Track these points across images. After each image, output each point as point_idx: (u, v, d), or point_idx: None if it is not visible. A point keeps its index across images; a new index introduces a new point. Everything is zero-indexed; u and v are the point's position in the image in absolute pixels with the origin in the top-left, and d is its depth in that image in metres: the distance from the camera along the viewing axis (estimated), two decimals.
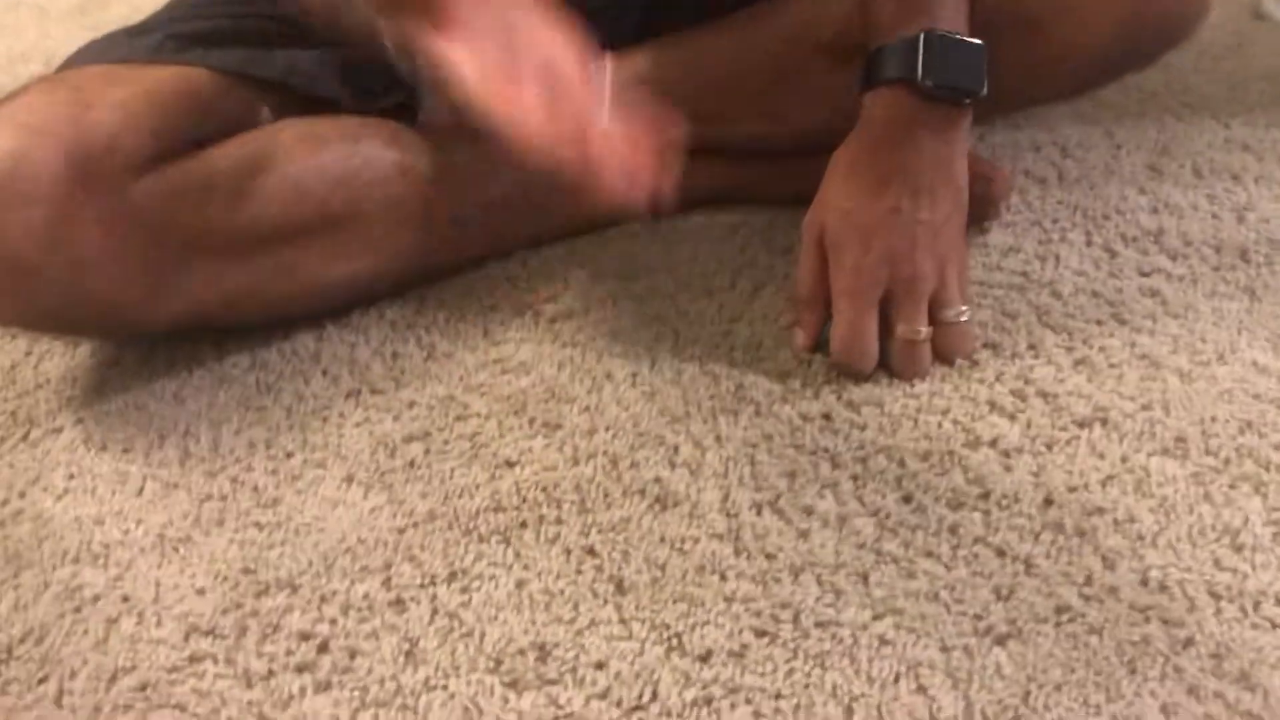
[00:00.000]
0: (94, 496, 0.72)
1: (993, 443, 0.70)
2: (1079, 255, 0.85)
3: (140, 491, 0.72)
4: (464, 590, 0.64)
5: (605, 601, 0.63)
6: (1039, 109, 0.99)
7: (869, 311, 0.73)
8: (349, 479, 0.71)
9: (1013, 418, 0.72)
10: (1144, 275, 0.83)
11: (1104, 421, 0.71)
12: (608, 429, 0.73)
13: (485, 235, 0.88)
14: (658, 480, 0.69)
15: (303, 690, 0.59)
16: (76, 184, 0.71)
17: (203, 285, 0.77)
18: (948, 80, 0.73)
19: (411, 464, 0.72)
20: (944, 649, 0.59)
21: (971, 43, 0.74)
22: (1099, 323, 0.78)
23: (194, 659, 0.61)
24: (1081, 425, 0.71)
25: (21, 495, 0.72)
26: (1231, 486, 0.66)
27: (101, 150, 0.72)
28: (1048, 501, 0.66)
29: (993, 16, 0.77)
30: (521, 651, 0.60)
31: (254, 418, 0.77)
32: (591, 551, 0.65)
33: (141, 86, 0.76)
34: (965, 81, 0.74)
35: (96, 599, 0.65)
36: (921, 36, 0.72)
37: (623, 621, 0.62)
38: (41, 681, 0.61)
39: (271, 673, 0.60)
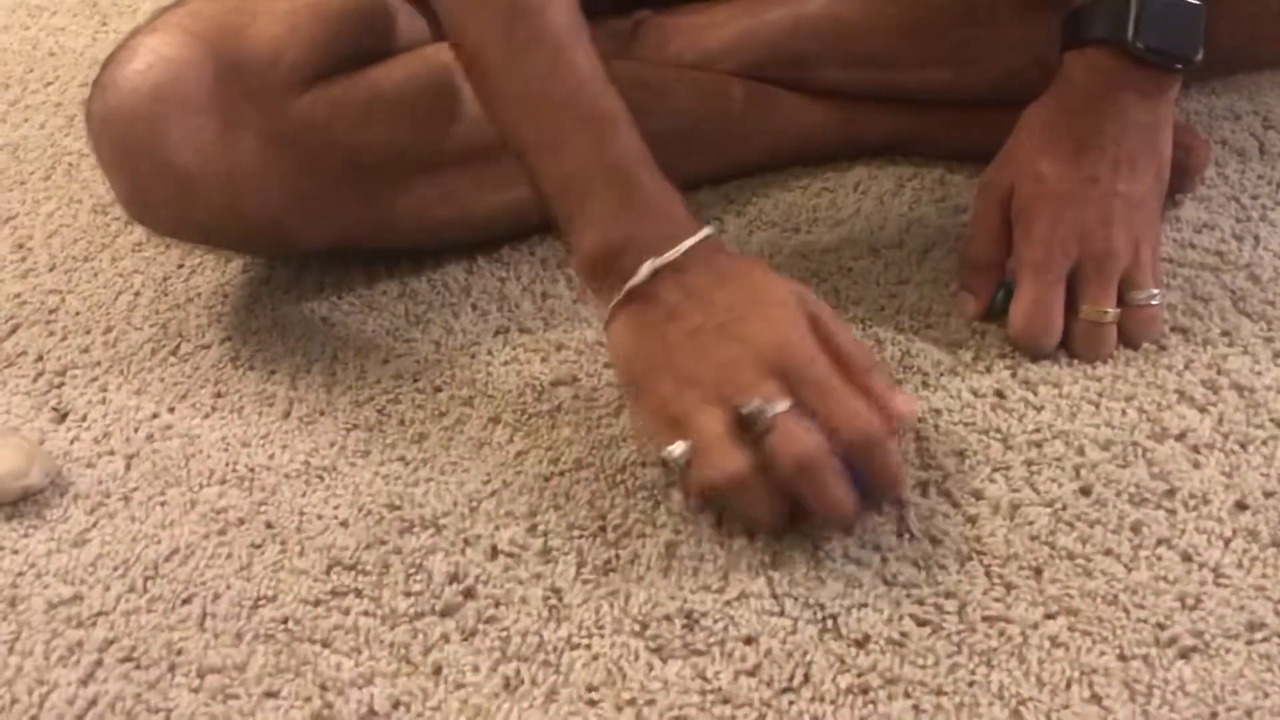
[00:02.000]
0: (240, 417, 0.71)
1: (1181, 436, 0.65)
2: None
3: (286, 415, 0.71)
4: (610, 545, 0.62)
5: (757, 574, 0.60)
6: (1241, 74, 0.92)
7: (1056, 287, 0.68)
8: (495, 419, 0.70)
9: (1204, 410, 0.67)
10: None
11: None
12: None
13: None
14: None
15: (445, 636, 0.58)
16: (237, 95, 0.70)
17: (359, 206, 0.76)
18: (1161, 43, 0.67)
19: (559, 409, 0.70)
20: (1122, 657, 0.55)
21: (1190, 3, 0.68)
22: None
23: (336, 593, 0.60)
24: None
25: (170, 410, 0.72)
26: None
27: (264, 63, 0.71)
28: (1240, 505, 0.61)
29: None
30: (669, 617, 0.58)
31: (402, 348, 0.75)
32: (743, 518, 0.63)
33: (306, 0, 0.75)
34: (1180, 46, 0.67)
35: (241, 522, 0.65)
36: None
37: (775, 596, 0.59)
38: (185, 602, 0.61)
39: (416, 614, 0.59)
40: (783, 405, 0.58)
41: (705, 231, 0.63)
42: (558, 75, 0.64)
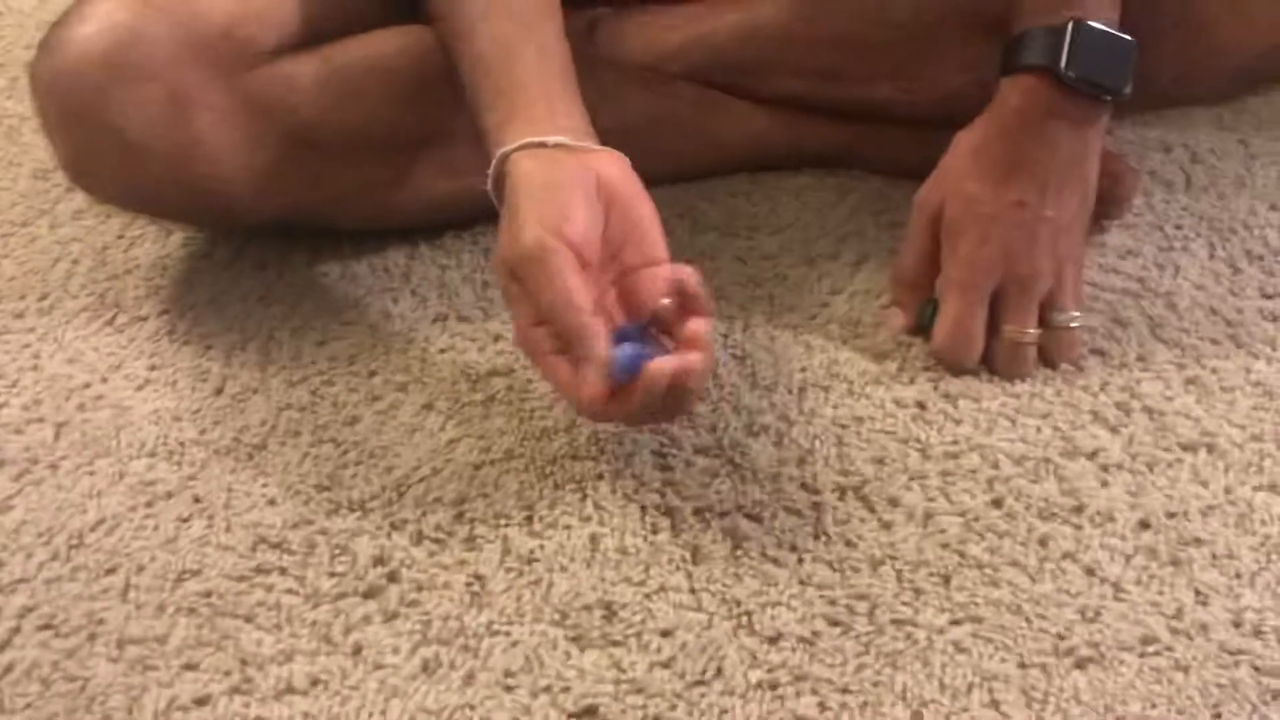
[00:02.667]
0: (174, 390, 0.72)
1: (1092, 455, 0.68)
2: (1200, 268, 0.81)
3: (219, 391, 0.71)
4: (536, 535, 0.63)
5: (678, 568, 0.61)
6: (1173, 108, 0.95)
7: (979, 306, 0.71)
8: (429, 406, 0.70)
9: (1115, 431, 0.69)
10: (1267, 297, 0.79)
11: (1210, 448, 0.68)
12: None
13: None
14: (739, 447, 0.68)
15: (367, 618, 0.59)
16: (191, 65, 0.70)
17: (308, 182, 0.76)
18: (1092, 75, 0.69)
19: (493, 399, 0.71)
20: (1021, 665, 0.57)
21: (1122, 38, 0.70)
22: (1214, 342, 0.75)
23: (261, 570, 0.61)
24: (1186, 449, 0.68)
25: (104, 380, 0.72)
26: None
27: (218, 34, 0.71)
28: (1144, 524, 0.64)
29: (1152, 15, 0.73)
30: (588, 607, 0.59)
31: (339, 331, 0.76)
32: (668, 513, 0.64)
33: None
34: (1110, 79, 0.70)
35: (169, 496, 0.65)
36: (1070, 25, 0.69)
37: (693, 591, 0.60)
38: (109, 572, 0.61)
39: (339, 595, 0.60)
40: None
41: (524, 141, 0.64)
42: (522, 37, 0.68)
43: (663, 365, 0.59)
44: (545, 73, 0.67)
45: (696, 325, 0.62)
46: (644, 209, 0.65)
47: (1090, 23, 0.69)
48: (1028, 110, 0.71)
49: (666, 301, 0.63)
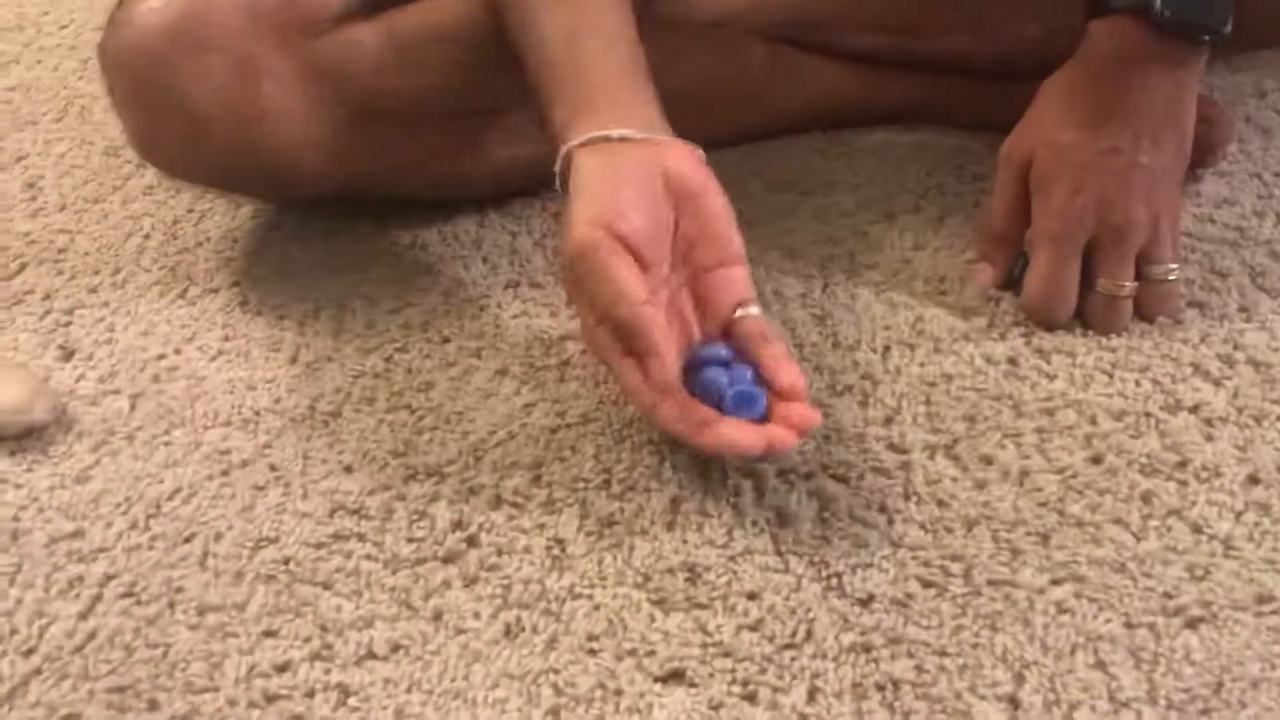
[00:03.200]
0: (247, 360, 0.71)
1: (1194, 409, 0.64)
2: None
3: (293, 360, 0.71)
4: (615, 498, 0.61)
5: (762, 530, 0.59)
6: (1269, 49, 0.91)
7: (1072, 259, 0.68)
8: (503, 371, 0.69)
9: (1218, 384, 0.66)
10: None
11: None
12: None
13: None
14: (824, 408, 0.65)
15: (447, 582, 0.58)
16: (255, 36, 0.69)
17: (373, 150, 0.75)
18: (1189, 14, 0.66)
19: (567, 363, 0.70)
20: (1128, 625, 0.54)
21: None
22: None
23: (339, 537, 0.60)
24: None
25: (177, 352, 0.72)
26: None
27: (283, 4, 0.70)
28: (1253, 479, 0.61)
29: None
30: (671, 570, 0.58)
31: (412, 298, 0.75)
32: (750, 475, 0.62)
33: None
34: (1208, 17, 0.66)
35: (245, 464, 0.64)
36: None
37: (779, 554, 0.58)
38: (186, 541, 0.60)
39: (418, 560, 0.59)
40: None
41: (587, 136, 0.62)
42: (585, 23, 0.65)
43: (753, 440, 0.57)
44: (611, 62, 0.65)
45: (792, 379, 0.59)
46: (716, 204, 0.62)
47: None
48: (1120, 54, 0.68)
49: (749, 312, 0.61)
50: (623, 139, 0.61)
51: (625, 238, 0.59)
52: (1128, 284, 0.68)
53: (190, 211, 0.84)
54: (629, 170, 0.61)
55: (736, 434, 0.57)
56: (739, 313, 0.62)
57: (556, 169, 0.63)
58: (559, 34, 0.66)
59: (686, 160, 0.62)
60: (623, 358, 0.60)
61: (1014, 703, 0.52)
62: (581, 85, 0.64)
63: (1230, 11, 0.67)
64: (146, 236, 0.81)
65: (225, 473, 0.64)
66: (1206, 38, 0.67)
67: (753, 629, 0.55)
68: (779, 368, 0.60)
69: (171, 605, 0.57)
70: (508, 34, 0.68)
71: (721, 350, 0.61)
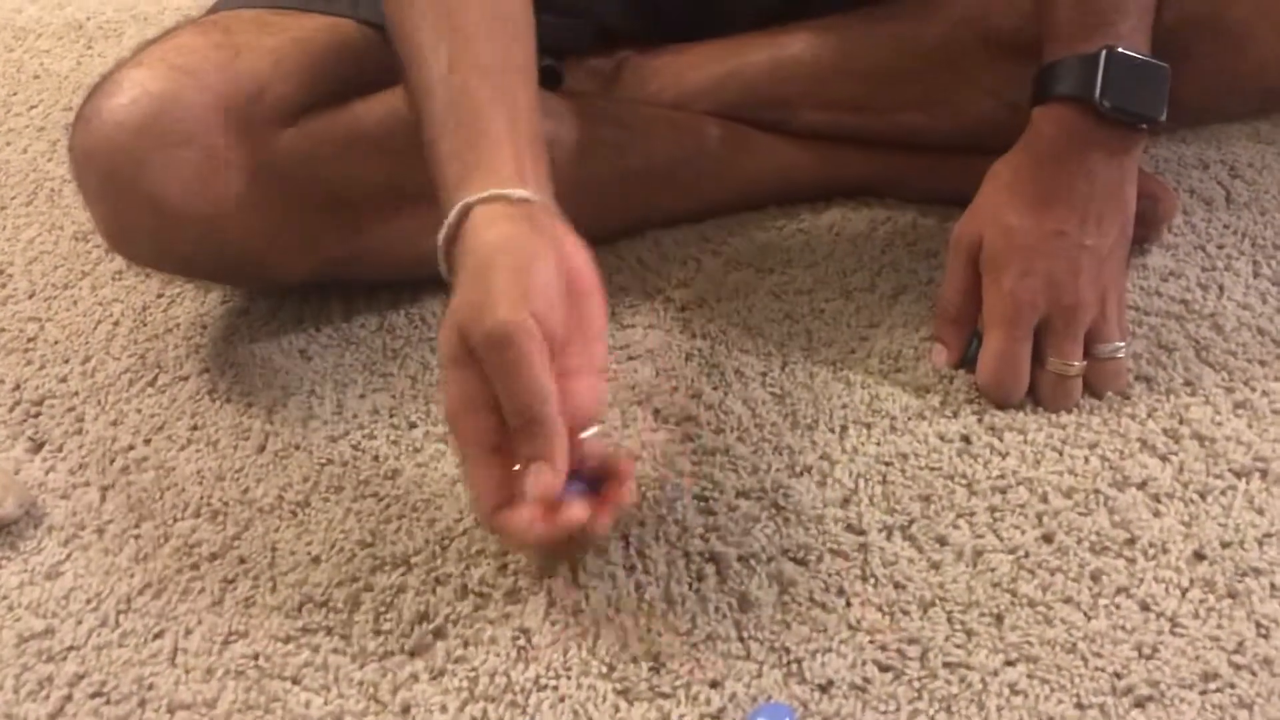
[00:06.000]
0: (216, 450, 0.72)
1: (1142, 485, 0.66)
2: (1244, 287, 0.80)
3: (262, 449, 0.72)
4: (580, 586, 0.63)
5: (725, 616, 0.61)
6: (1207, 126, 0.94)
7: (1024, 340, 0.70)
8: None
9: (1165, 459, 0.68)
10: None
11: (1264, 473, 0.67)
12: (733, 429, 0.71)
13: (620, 209, 0.86)
14: (782, 489, 0.67)
15: (415, 675, 0.59)
16: (224, 129, 0.71)
17: (341, 239, 0.77)
18: (1128, 103, 0.68)
19: None
20: (1079, 706, 0.56)
21: (1155, 64, 0.69)
22: (1263, 363, 0.74)
23: (307, 630, 0.61)
24: (1239, 475, 0.67)
25: (147, 442, 0.73)
26: None
27: (250, 97, 0.72)
28: (1199, 555, 0.62)
29: (1184, 27, 0.72)
30: (635, 659, 0.59)
31: (379, 383, 0.76)
32: (713, 559, 0.63)
33: (291, 35, 0.76)
34: (1145, 105, 0.69)
35: (214, 557, 0.65)
36: (1103, 53, 0.68)
37: (741, 640, 0.60)
38: (157, 637, 0.61)
39: (386, 653, 0.60)
40: None
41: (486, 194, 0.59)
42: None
43: (584, 511, 0.56)
44: (516, 133, 0.61)
45: (624, 492, 0.57)
46: (599, 310, 0.59)
47: (1123, 50, 0.68)
48: (1063, 140, 0.70)
49: (591, 433, 0.58)
50: (523, 201, 0.58)
51: (543, 324, 0.55)
52: (1077, 363, 0.70)
53: (160, 297, 0.85)
54: (540, 248, 0.57)
55: (577, 511, 0.56)
56: (585, 432, 0.58)
57: (446, 221, 0.59)
58: (463, 99, 0.62)
59: (581, 254, 0.59)
60: (490, 451, 0.56)
61: None
62: (484, 146, 0.60)
63: (1165, 99, 0.69)
64: (116, 323, 0.82)
65: (195, 566, 0.65)
66: (1144, 125, 0.70)
67: (714, 718, 0.56)
68: (616, 463, 0.58)
69: (142, 704, 0.58)
70: (409, 99, 0.65)
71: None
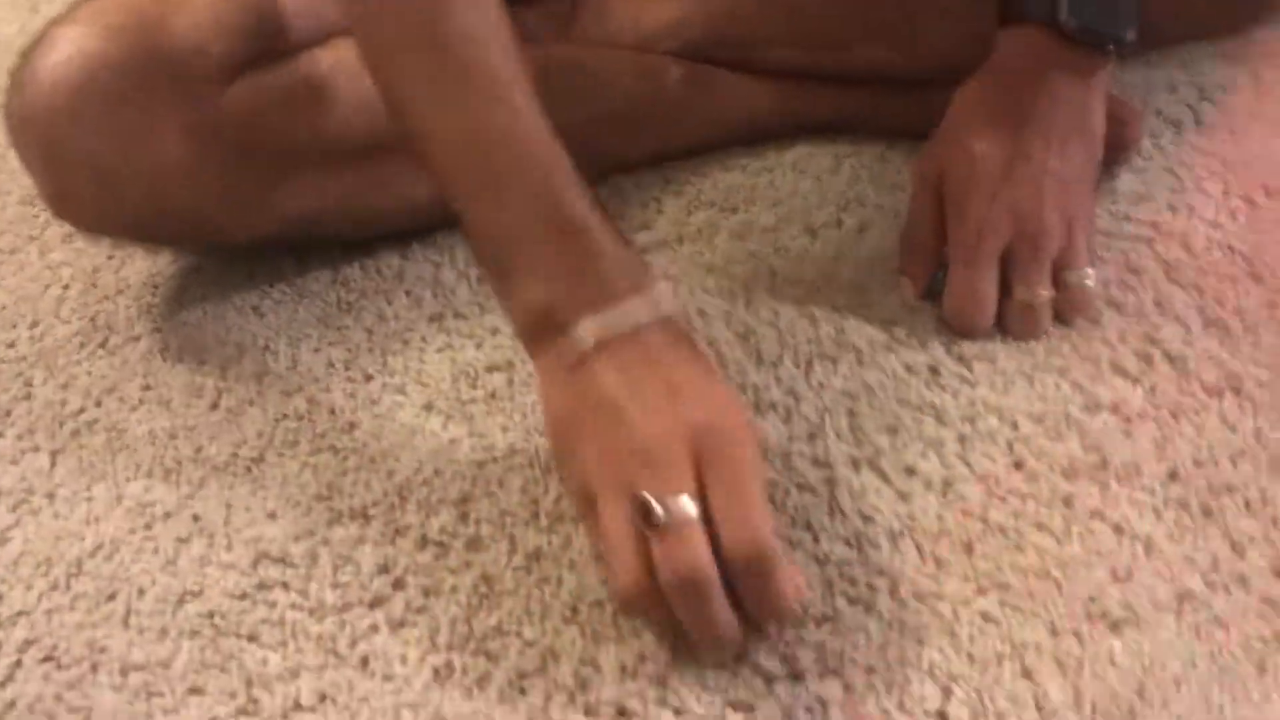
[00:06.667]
0: (169, 409, 0.70)
1: (1114, 408, 0.65)
2: (1215, 206, 0.78)
3: (215, 407, 0.70)
4: (542, 532, 0.61)
5: None
6: (1178, 46, 0.92)
7: (989, 269, 0.68)
8: (428, 407, 0.69)
9: (1136, 381, 0.67)
10: None
11: (1236, 390, 0.65)
12: None
13: (582, 155, 0.84)
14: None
15: (374, 627, 0.57)
16: (161, 87, 0.69)
17: (289, 197, 0.74)
18: (1094, 23, 0.67)
19: (493, 395, 0.69)
20: (1053, 632, 0.55)
21: None
22: (1233, 281, 0.72)
23: (263, 586, 0.60)
24: (1211, 393, 0.65)
25: (98, 404, 0.71)
26: None
27: (186, 54, 0.70)
28: (1172, 475, 0.61)
29: None
30: (600, 603, 0.58)
31: (334, 336, 0.74)
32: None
33: None
34: (1113, 26, 0.67)
35: (168, 517, 0.63)
36: None
37: None
38: (109, 599, 0.60)
39: (344, 606, 0.58)
40: (680, 503, 0.51)
41: (662, 307, 0.56)
42: (494, 121, 0.58)
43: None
44: (582, 199, 0.57)
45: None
46: (746, 451, 0.55)
47: None
48: (1028, 62, 0.69)
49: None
50: (636, 330, 0.55)
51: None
52: (1044, 291, 0.69)
53: (110, 259, 0.82)
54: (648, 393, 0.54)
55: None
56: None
57: (568, 342, 0.55)
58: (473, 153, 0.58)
59: (721, 406, 0.56)
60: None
61: (942, 717, 0.52)
62: (565, 247, 0.56)
63: (1135, 20, 0.68)
64: (66, 287, 0.80)
65: (148, 526, 0.63)
66: (1111, 46, 0.68)
67: (684, 657, 0.55)
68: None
69: (94, 667, 0.56)
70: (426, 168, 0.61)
71: None
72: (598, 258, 0.57)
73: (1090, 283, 0.70)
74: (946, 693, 0.53)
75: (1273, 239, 0.75)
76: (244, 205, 0.73)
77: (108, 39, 0.68)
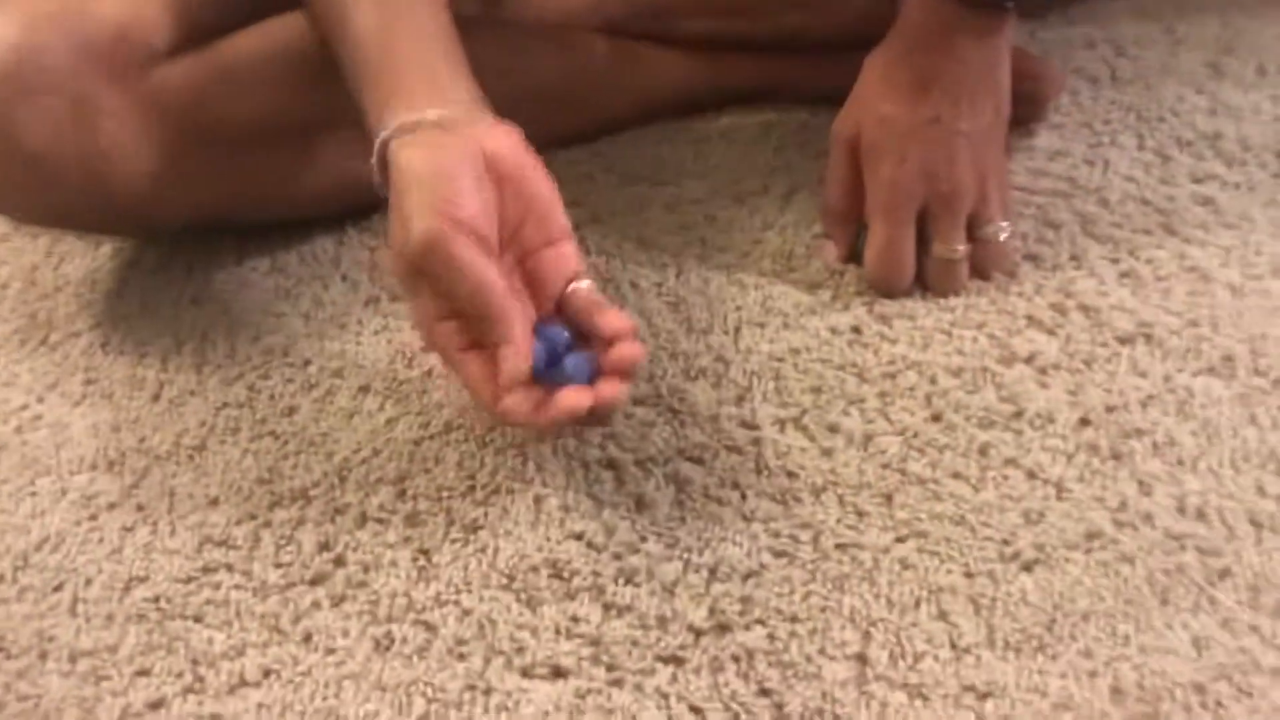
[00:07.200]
0: (111, 402, 0.71)
1: (1029, 359, 0.67)
2: (1129, 160, 0.81)
3: (157, 398, 0.71)
4: (479, 504, 0.63)
5: (622, 518, 0.61)
6: (1095, 2, 0.94)
7: (906, 228, 0.70)
8: (366, 389, 0.70)
9: (1051, 333, 0.69)
10: (1197, 182, 0.78)
11: (1148, 338, 0.68)
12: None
13: None
14: (678, 393, 0.67)
15: (316, 604, 0.59)
16: (91, 73, 0.69)
17: (221, 176, 0.75)
18: None
19: (429, 374, 0.71)
20: (968, 574, 0.57)
21: None
22: (1147, 233, 0.75)
23: (208, 570, 0.61)
24: (1123, 341, 0.68)
25: (40, 400, 0.72)
26: None
27: (113, 38, 0.70)
28: (1084, 422, 0.64)
29: None
30: (535, 568, 0.59)
31: (272, 324, 0.75)
32: (610, 465, 0.64)
33: None
34: None
35: (112, 507, 0.65)
36: None
37: (640, 539, 0.60)
38: (56, 589, 0.61)
39: (287, 585, 0.60)
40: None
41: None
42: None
43: (582, 399, 0.57)
44: (424, 47, 0.64)
45: (624, 351, 0.58)
46: (540, 184, 0.61)
47: None
48: (932, 26, 0.70)
49: (580, 286, 0.61)
50: (439, 121, 0.60)
51: (467, 224, 0.58)
52: (961, 247, 0.71)
53: (49, 256, 0.83)
54: (453, 157, 0.59)
55: (571, 400, 0.57)
56: (570, 287, 0.61)
57: (374, 161, 0.61)
58: (370, 32, 0.65)
59: (505, 141, 0.61)
60: (464, 351, 0.59)
61: (862, 659, 0.54)
62: (395, 71, 0.63)
63: None
64: (5, 285, 0.81)
65: (93, 517, 0.64)
66: (1009, 4, 0.70)
67: (617, 615, 0.57)
68: (608, 321, 0.60)
69: (43, 655, 0.58)
70: (327, 48, 0.68)
71: (564, 333, 0.60)
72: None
73: (1005, 236, 0.72)
74: (866, 636, 0.55)
75: (1185, 191, 0.78)
76: (179, 187, 0.74)
77: (32, 29, 0.68)
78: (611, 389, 0.58)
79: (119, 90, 0.70)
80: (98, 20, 0.70)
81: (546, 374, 0.59)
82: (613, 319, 0.60)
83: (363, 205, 0.81)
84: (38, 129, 0.69)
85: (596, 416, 0.59)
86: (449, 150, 0.60)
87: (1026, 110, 0.80)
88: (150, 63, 0.71)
